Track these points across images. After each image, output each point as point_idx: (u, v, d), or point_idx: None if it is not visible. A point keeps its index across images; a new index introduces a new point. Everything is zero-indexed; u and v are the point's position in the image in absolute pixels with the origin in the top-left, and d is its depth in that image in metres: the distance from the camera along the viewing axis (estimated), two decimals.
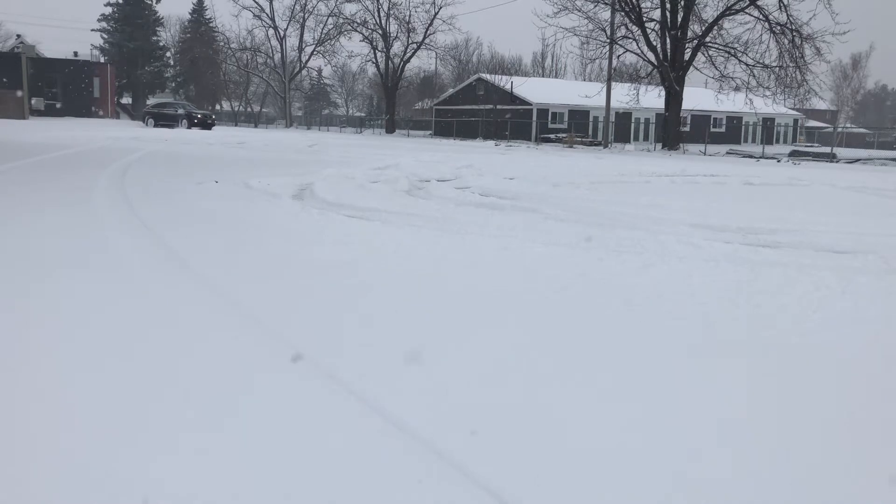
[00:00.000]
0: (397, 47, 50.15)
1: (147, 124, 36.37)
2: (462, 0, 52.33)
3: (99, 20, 61.71)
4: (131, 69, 59.18)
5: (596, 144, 34.93)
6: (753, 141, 43.88)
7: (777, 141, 43.46)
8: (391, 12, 49.00)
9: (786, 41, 28.37)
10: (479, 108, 43.85)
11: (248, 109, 67.85)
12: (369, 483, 1.84)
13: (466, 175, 10.76)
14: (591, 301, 3.70)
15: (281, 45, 52.46)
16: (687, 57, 30.52)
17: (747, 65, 29.84)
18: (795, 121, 47.30)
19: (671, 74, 29.88)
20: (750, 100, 30.43)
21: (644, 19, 30.55)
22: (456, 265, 4.45)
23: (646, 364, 2.78)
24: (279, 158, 14.75)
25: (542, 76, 61.22)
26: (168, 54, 66.62)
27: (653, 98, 32.46)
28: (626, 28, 31.10)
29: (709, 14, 30.46)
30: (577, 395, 2.45)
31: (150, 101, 50.75)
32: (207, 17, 65.47)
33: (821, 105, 46.11)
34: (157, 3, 61.88)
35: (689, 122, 40.07)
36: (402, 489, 1.81)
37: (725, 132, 44.73)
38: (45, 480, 1.80)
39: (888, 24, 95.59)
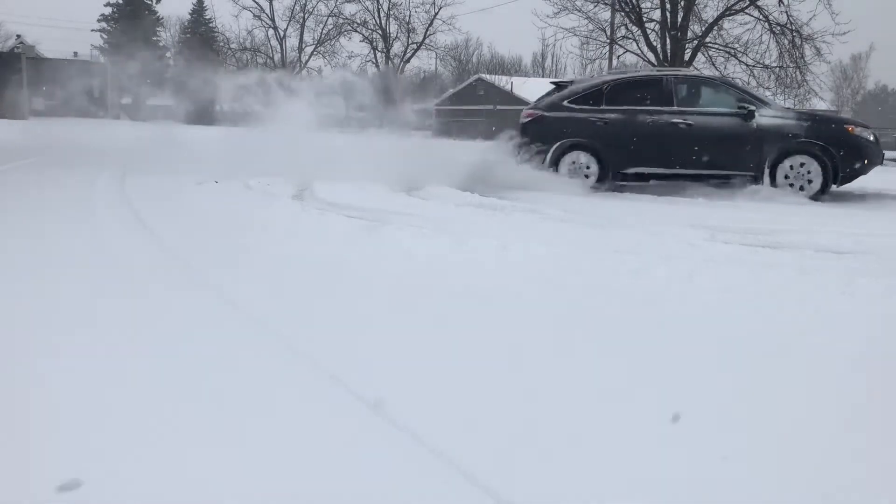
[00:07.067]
0: (397, 47, 50.23)
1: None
2: (462, 0, 52.32)
3: (99, 20, 61.76)
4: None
5: None
6: None
7: None
8: (391, 12, 49.06)
9: (786, 41, 28.34)
10: (479, 109, 43.85)
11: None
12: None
13: None
14: (589, 301, 3.70)
15: (281, 46, 52.47)
16: (687, 57, 30.48)
17: (747, 65, 29.80)
18: None
19: None
20: None
21: (644, 19, 30.54)
22: (455, 265, 4.45)
23: (643, 365, 2.79)
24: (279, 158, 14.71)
25: (543, 76, 61.16)
26: (168, 54, 66.62)
27: None
28: (626, 28, 31.07)
29: (709, 14, 30.43)
30: (571, 395, 2.45)
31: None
32: (207, 17, 65.52)
33: (821, 105, 46.03)
34: (157, 3, 61.93)
35: None
36: None
37: None
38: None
39: (888, 24, 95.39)
